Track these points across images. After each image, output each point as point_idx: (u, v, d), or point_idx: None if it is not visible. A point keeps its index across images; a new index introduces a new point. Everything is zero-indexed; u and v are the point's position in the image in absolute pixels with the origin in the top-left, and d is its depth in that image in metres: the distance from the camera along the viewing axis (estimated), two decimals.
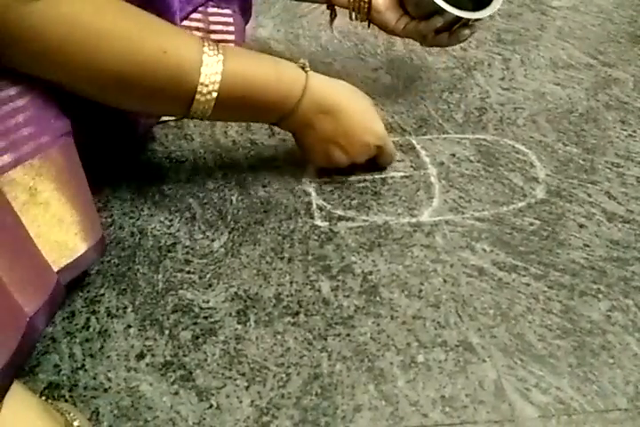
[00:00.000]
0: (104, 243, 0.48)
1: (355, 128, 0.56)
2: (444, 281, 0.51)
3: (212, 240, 0.54)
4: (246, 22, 0.72)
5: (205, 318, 0.48)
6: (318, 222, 0.56)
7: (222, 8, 0.66)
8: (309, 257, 0.53)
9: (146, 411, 0.42)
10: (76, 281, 0.47)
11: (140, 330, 0.47)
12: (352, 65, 0.81)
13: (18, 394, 0.34)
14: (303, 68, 0.53)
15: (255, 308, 0.48)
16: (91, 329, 0.47)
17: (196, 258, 0.53)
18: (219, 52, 0.47)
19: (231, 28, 0.66)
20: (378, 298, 0.49)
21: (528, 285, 0.50)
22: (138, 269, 0.51)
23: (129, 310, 0.48)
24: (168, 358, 0.45)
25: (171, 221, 0.56)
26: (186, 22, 0.63)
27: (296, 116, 0.53)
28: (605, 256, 0.53)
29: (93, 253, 0.45)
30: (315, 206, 0.58)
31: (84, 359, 0.45)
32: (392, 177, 0.61)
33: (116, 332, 0.47)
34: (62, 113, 0.43)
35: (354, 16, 0.67)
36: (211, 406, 0.42)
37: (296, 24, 0.92)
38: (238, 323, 0.47)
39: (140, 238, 0.54)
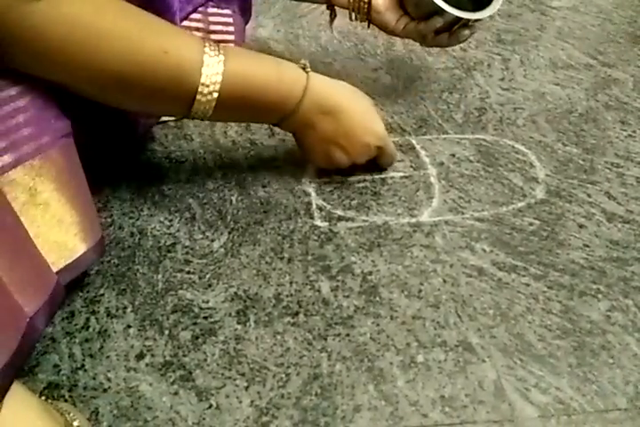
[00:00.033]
0: (104, 243, 0.48)
1: (355, 129, 0.56)
2: (444, 281, 0.51)
3: (212, 240, 0.54)
4: (246, 22, 0.72)
5: (205, 318, 0.48)
6: (318, 222, 0.56)
7: (222, 8, 0.65)
8: (309, 257, 0.53)
9: (145, 411, 0.42)
10: (75, 281, 0.47)
11: (139, 330, 0.47)
12: (352, 65, 0.81)
13: (18, 394, 0.34)
14: (304, 68, 0.53)
15: (255, 308, 0.48)
16: (90, 329, 0.47)
17: (196, 258, 0.53)
18: (219, 53, 0.47)
19: (231, 29, 0.66)
20: (377, 298, 0.49)
21: (528, 285, 0.50)
22: (137, 270, 0.51)
23: (129, 310, 0.48)
24: (168, 358, 0.45)
25: (170, 221, 0.56)
26: (186, 22, 0.63)
27: (297, 116, 0.53)
28: (605, 256, 0.53)
29: (93, 253, 0.45)
30: (314, 206, 0.58)
31: (83, 359, 0.45)
32: (392, 177, 0.61)
33: (115, 332, 0.47)
34: (62, 113, 0.43)
35: (354, 16, 0.67)
36: (210, 406, 0.42)
37: (296, 24, 0.92)
38: (238, 323, 0.47)
39: (139, 238, 0.54)
